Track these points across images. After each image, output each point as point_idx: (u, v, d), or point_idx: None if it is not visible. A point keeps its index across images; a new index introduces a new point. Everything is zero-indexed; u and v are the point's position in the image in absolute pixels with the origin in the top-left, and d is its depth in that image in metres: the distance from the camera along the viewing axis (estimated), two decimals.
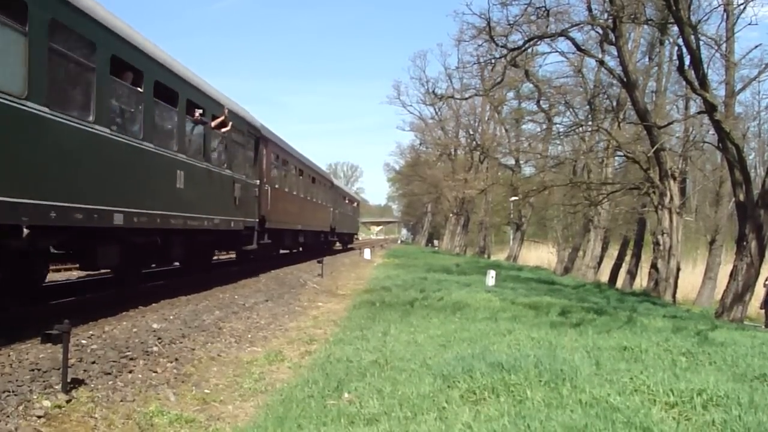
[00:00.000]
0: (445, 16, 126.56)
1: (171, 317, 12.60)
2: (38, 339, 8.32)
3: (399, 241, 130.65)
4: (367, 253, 47.71)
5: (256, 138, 24.77)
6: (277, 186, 28.76)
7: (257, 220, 24.03)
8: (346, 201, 63.60)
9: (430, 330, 12.52)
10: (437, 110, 75.90)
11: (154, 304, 14.67)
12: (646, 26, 32.19)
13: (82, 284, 17.80)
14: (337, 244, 62.40)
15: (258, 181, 24.52)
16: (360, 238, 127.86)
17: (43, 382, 7.30)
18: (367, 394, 7.55)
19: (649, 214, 36.66)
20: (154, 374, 8.55)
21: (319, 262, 27.50)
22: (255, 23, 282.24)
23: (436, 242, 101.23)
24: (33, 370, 7.73)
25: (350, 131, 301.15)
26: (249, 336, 12.23)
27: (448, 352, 10.06)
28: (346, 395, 7.62)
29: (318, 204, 42.74)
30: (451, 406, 7.00)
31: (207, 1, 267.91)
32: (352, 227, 71.09)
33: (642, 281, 41.12)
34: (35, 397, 6.83)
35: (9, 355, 8.62)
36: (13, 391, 6.89)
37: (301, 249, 42.21)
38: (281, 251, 37.26)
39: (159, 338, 10.49)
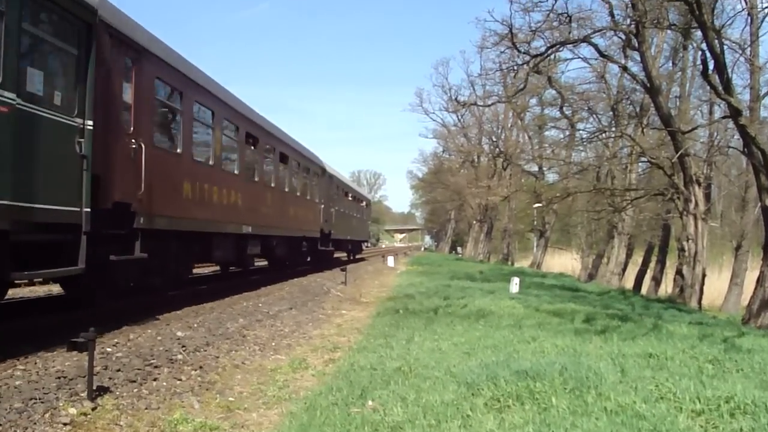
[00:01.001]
0: (467, 23, 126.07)
1: (195, 325, 12.66)
2: (64, 347, 8.37)
3: (422, 249, 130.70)
4: (390, 260, 47.77)
5: (84, 25, 11.21)
6: (178, 150, 16.05)
7: (88, 209, 11.03)
8: (350, 198, 49.12)
9: (453, 337, 12.49)
10: (460, 117, 76.05)
11: (178, 312, 14.79)
12: (669, 31, 32.08)
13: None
14: (337, 254, 47.95)
15: (90, 123, 11.08)
16: (384, 246, 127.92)
17: (69, 389, 7.36)
18: (391, 401, 7.54)
19: (674, 220, 36.44)
20: (178, 382, 8.59)
21: (342, 270, 27.48)
22: (278, 31, 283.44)
23: (459, 249, 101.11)
24: (59, 377, 7.80)
25: (373, 139, 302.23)
26: (273, 344, 12.25)
27: (472, 360, 10.04)
28: (369, 403, 7.61)
29: (296, 197, 29.30)
30: (476, 414, 6.98)
31: (231, 9, 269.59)
32: (359, 233, 53.78)
33: (667, 288, 40.79)
34: (61, 404, 6.89)
35: (36, 363, 8.70)
36: (39, 399, 6.97)
37: (255, 265, 29.15)
38: (207, 272, 26.40)
39: (183, 346, 10.55)
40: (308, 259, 35.71)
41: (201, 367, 9.51)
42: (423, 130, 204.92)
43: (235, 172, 20.64)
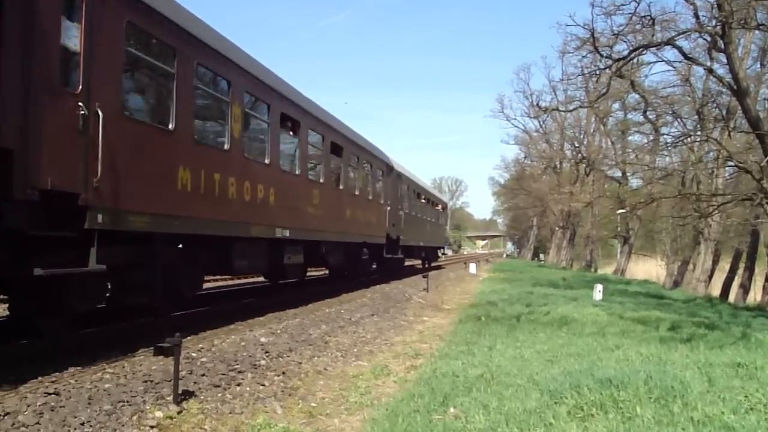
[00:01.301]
0: (549, 28, 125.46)
1: (278, 331, 12.76)
2: (151, 351, 8.54)
3: (504, 255, 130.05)
4: (472, 267, 47.68)
5: None
6: (170, 126, 11.82)
7: None
8: (423, 200, 43.05)
9: (536, 345, 12.39)
10: (542, 123, 75.54)
11: (261, 318, 14.97)
12: (757, 31, 31.34)
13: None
14: (409, 262, 43.87)
15: None
16: (465, 252, 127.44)
17: (156, 393, 7.51)
18: (473, 409, 7.50)
19: (763, 226, 35.65)
20: (261, 387, 8.68)
21: (424, 276, 27.38)
22: (359, 39, 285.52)
23: (542, 256, 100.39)
24: (146, 381, 7.95)
25: (454, 145, 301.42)
26: (355, 350, 12.31)
27: (555, 368, 9.94)
28: (451, 410, 7.58)
29: (353, 196, 24.31)
30: (559, 423, 6.90)
31: (313, 18, 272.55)
32: (434, 238, 47.11)
33: (756, 295, 39.96)
34: (148, 407, 7.04)
35: (124, 367, 8.89)
36: (127, 402, 7.13)
37: (295, 277, 22.45)
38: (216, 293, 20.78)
39: (266, 352, 10.66)
40: (373, 267, 31.77)
41: (284, 373, 9.61)
42: (504, 136, 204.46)
43: (266, 161, 16.14)
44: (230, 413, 7.44)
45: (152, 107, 12.13)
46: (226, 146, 13.93)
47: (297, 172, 18.35)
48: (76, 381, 8.00)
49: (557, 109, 45.37)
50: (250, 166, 15.17)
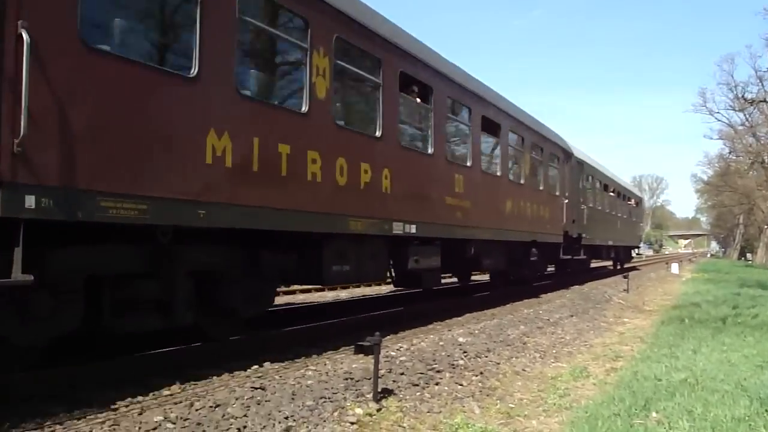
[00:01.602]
0: (754, 14, 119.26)
1: (476, 331, 12.81)
2: (351, 349, 8.76)
3: (708, 255, 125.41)
4: (674, 267, 46.26)
5: None
6: (191, 72, 7.95)
7: None
8: (612, 193, 37.35)
9: (744, 349, 11.88)
10: (747, 116, 71.97)
11: (459, 318, 15.05)
12: None
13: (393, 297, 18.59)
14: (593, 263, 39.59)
15: None
16: (667, 252, 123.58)
17: (356, 390, 7.71)
18: (676, 414, 7.28)
19: None
20: (459, 387, 8.73)
21: (624, 277, 26.76)
22: (552, 37, 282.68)
23: (749, 255, 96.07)
24: (346, 378, 8.18)
25: (653, 142, 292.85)
26: (553, 351, 12.18)
27: (766, 373, 9.51)
28: (653, 415, 7.38)
29: (517, 186, 19.64)
30: None
31: (506, 18, 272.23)
32: (626, 237, 41.44)
33: None
34: (348, 404, 7.24)
35: (325, 364, 9.18)
36: (329, 398, 7.36)
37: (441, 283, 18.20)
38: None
39: (464, 352, 10.72)
40: (549, 269, 28.62)
41: (482, 373, 9.63)
42: (707, 131, 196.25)
43: (376, 134, 12.17)
44: (428, 412, 7.52)
45: (150, 41, 8.22)
46: (303, 108, 10.11)
47: (429, 151, 14.22)
48: (280, 377, 8.32)
49: (765, 101, 43.42)
50: (347, 138, 11.34)
